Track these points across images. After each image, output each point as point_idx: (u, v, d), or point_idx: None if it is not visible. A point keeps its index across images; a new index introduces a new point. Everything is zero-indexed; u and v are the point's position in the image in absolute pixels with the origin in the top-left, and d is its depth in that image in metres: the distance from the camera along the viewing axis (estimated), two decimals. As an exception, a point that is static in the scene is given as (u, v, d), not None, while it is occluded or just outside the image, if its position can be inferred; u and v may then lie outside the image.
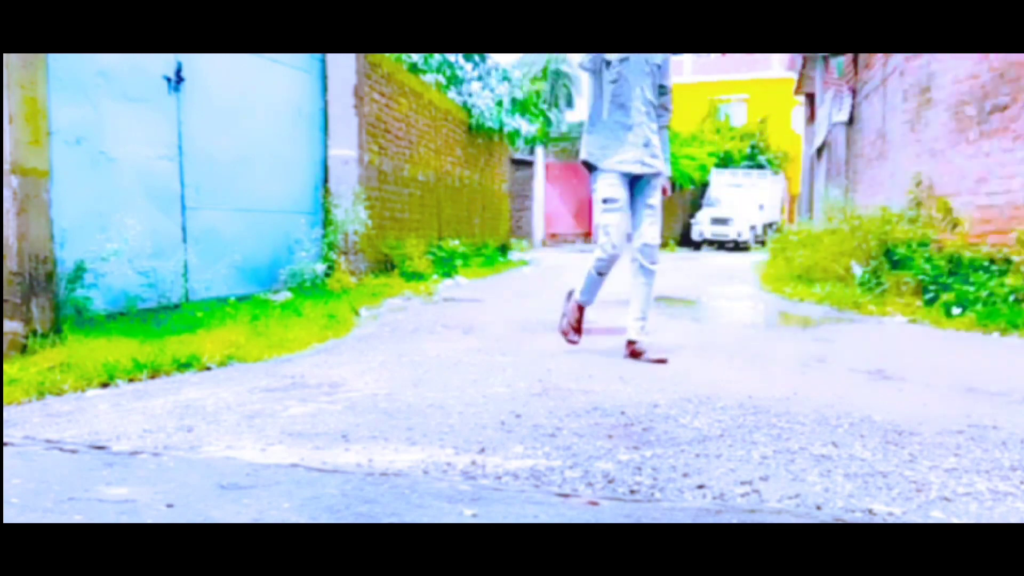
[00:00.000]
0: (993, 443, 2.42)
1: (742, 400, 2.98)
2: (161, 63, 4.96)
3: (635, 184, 3.95)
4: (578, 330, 4.19)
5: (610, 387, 3.21)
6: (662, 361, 3.78)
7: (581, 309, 4.16)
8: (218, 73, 5.50)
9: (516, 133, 13.95)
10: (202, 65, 5.30)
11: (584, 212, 26.53)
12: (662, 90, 3.98)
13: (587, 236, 26.48)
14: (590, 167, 3.99)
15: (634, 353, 3.90)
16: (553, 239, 24.84)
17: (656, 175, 3.95)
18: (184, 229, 5.20)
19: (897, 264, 6.39)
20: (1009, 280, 5.30)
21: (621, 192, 3.88)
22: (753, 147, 28.56)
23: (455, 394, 3.06)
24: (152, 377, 3.39)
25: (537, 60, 34.47)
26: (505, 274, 10.71)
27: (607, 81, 3.87)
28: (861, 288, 6.59)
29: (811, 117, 16.52)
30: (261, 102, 6.11)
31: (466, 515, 1.77)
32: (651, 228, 3.92)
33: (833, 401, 2.98)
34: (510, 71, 13.58)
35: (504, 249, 13.99)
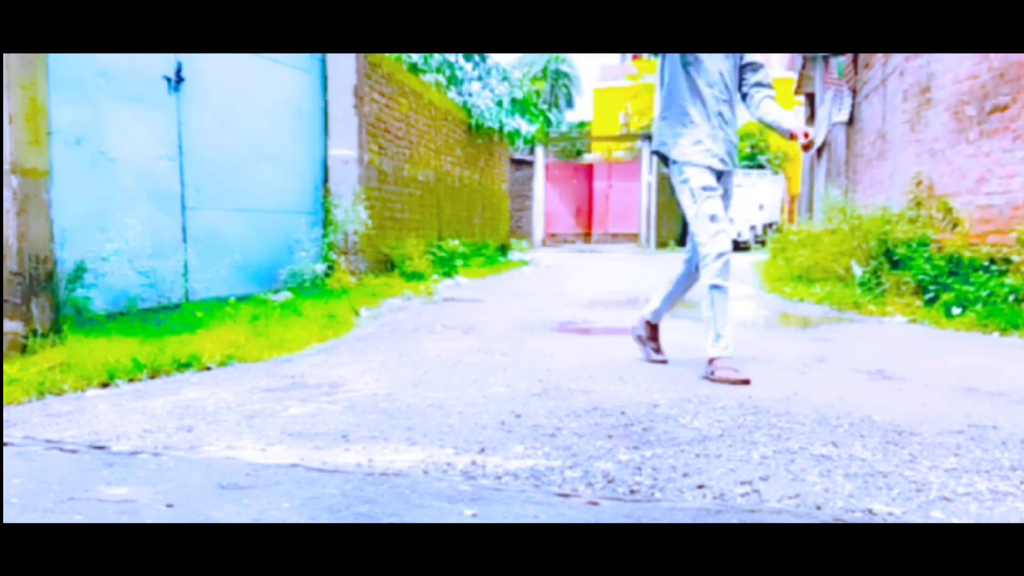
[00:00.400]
0: (993, 443, 2.42)
1: (742, 400, 2.98)
2: (161, 63, 4.96)
3: None
4: (737, 381, 3.30)
5: (610, 387, 3.21)
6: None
7: (722, 363, 3.36)
8: (218, 73, 5.50)
9: (516, 133, 13.95)
10: (202, 65, 5.30)
11: (584, 212, 26.52)
12: (753, 67, 3.61)
13: (587, 236, 26.46)
14: (664, 158, 3.66)
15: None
16: (553, 239, 24.83)
17: (730, 175, 3.63)
18: (184, 229, 5.20)
19: (897, 264, 6.39)
20: (1009, 280, 5.30)
21: (714, 180, 3.52)
22: (753, 147, 28.56)
23: (455, 394, 3.06)
24: (152, 377, 3.39)
25: (537, 60, 34.53)
26: (505, 274, 10.71)
27: (682, 64, 3.49)
28: (861, 288, 6.59)
29: (811, 117, 16.51)
30: (261, 102, 6.11)
31: (466, 515, 1.77)
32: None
33: (833, 401, 2.98)
34: (510, 71, 13.58)
35: (504, 249, 13.99)
